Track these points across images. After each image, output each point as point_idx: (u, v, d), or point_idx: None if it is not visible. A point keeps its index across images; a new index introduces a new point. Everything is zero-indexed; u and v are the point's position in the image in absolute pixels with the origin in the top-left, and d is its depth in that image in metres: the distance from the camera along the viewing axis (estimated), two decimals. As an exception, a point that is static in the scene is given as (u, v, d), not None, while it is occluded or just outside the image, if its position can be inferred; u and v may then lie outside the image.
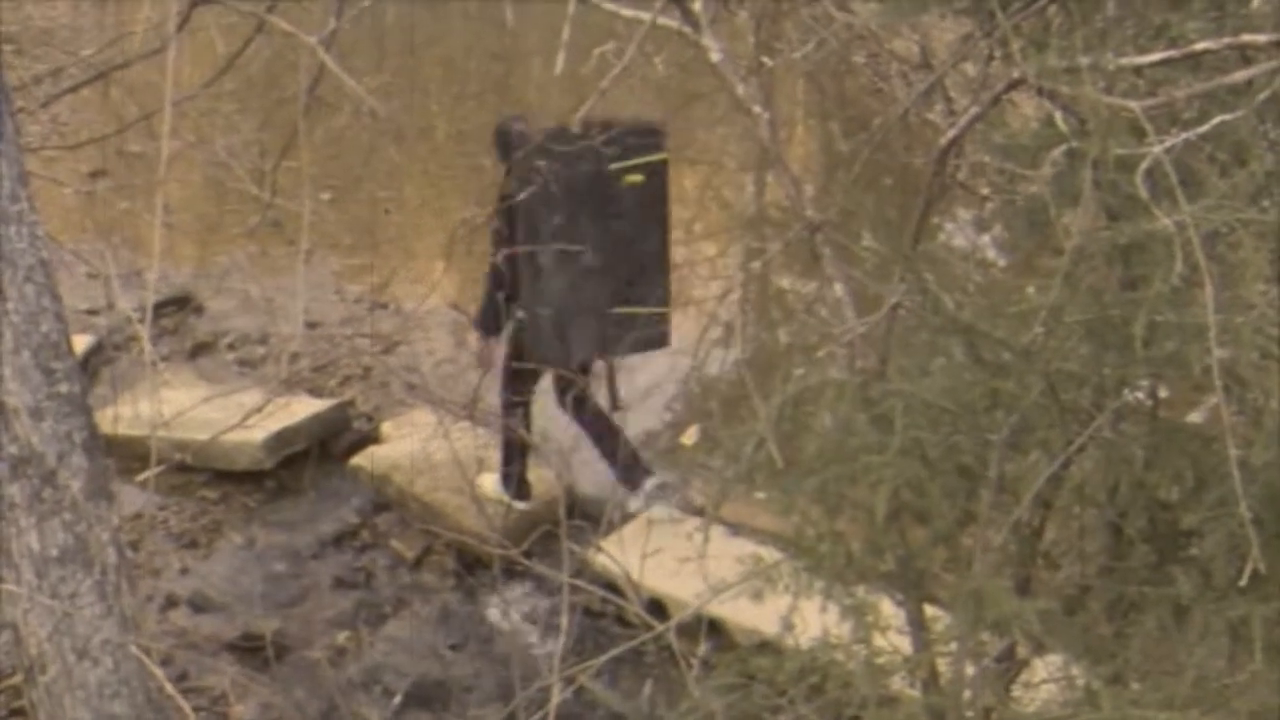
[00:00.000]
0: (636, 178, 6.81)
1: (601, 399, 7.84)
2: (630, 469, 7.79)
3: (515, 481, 7.87)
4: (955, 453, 3.79)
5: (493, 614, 7.37)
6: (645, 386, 9.26)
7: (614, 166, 6.88)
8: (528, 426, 7.73)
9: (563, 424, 7.82)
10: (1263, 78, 3.41)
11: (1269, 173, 3.41)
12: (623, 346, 7.60)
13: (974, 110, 3.98)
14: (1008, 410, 3.71)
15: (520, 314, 7.34)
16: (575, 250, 7.03)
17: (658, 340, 7.75)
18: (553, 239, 7.20)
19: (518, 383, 7.57)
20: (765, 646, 4.81)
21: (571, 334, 7.33)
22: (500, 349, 7.68)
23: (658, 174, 7.37)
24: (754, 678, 4.16)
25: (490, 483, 7.97)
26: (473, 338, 8.02)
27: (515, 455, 7.79)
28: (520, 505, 7.86)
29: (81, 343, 8.46)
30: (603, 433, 7.75)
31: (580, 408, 7.63)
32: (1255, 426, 3.42)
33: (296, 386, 9.01)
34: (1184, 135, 3.33)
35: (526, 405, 7.68)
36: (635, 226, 7.28)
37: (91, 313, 9.62)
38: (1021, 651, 4.02)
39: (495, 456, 7.94)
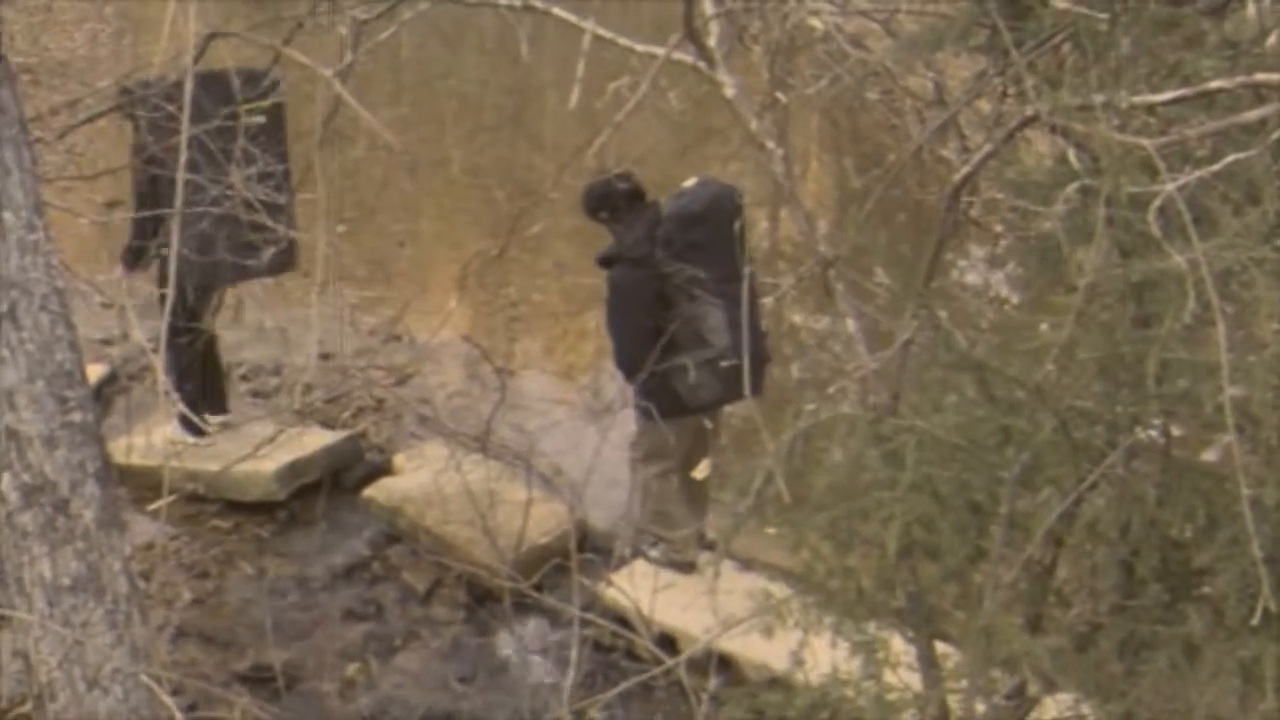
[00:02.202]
0: (257, 118, 6.99)
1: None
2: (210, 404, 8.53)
3: (190, 423, 8.27)
4: (966, 489, 3.79)
5: (503, 647, 7.36)
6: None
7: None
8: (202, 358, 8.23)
9: (577, 458, 7.83)
10: (1276, 116, 3.41)
11: (1282, 211, 3.41)
12: (257, 271, 8.04)
13: (988, 147, 3.99)
14: (1019, 447, 3.71)
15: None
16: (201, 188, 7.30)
17: (288, 264, 8.25)
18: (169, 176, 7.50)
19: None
20: (775, 682, 4.81)
21: (203, 264, 7.57)
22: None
23: (276, 114, 7.67)
24: (764, 713, 4.15)
25: (171, 430, 8.28)
26: (117, 271, 8.36)
27: (188, 391, 8.12)
28: (201, 441, 8.35)
29: (95, 372, 8.48)
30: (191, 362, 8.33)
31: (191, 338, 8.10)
32: (1268, 465, 3.41)
33: (309, 418, 9.02)
34: (1197, 173, 3.33)
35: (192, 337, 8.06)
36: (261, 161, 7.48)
37: (105, 342, 9.65)
38: (1032, 689, 4.01)
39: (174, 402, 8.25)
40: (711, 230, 6.95)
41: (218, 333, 8.64)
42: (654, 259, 7.12)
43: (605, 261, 7.25)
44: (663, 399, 7.13)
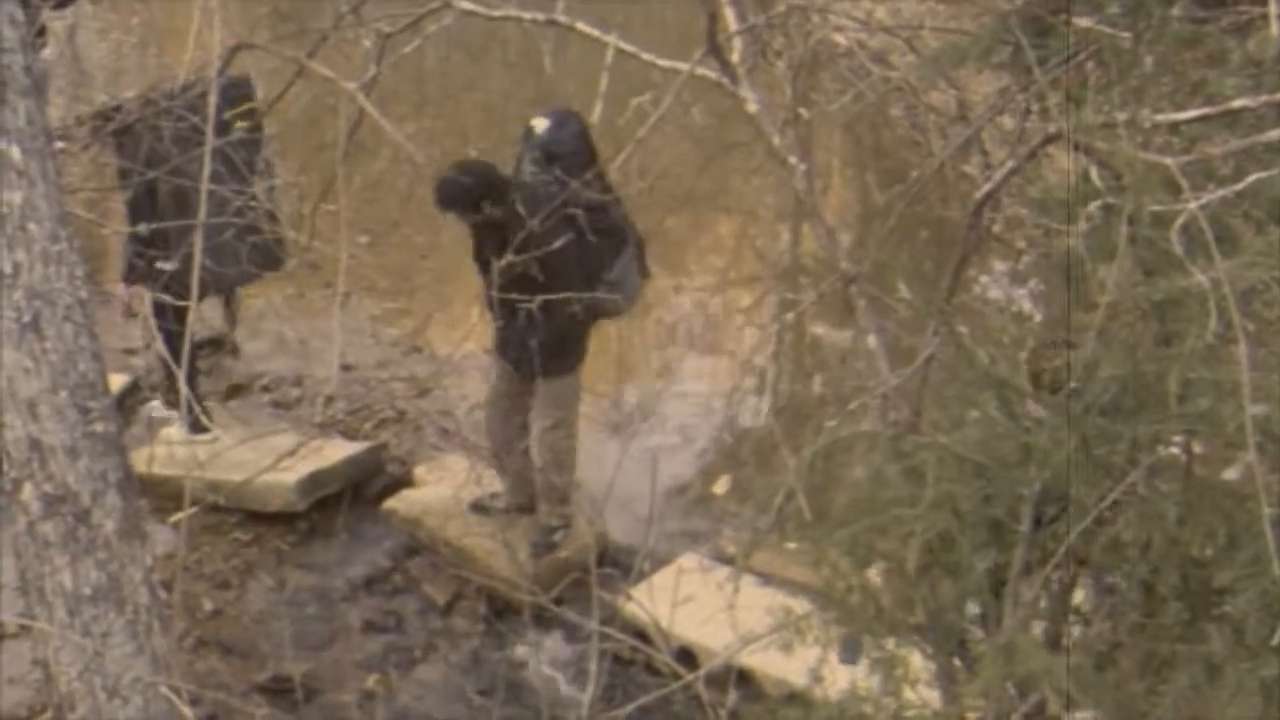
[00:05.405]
0: (242, 124, 6.98)
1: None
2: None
3: (192, 419, 8.22)
4: (987, 506, 3.78)
5: (522, 660, 7.36)
6: (678, 434, 9.28)
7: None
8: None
9: (598, 470, 7.83)
10: (1299, 136, 3.41)
11: (1305, 230, 3.41)
12: (231, 279, 8.35)
13: (1010, 164, 3.99)
14: (1040, 465, 3.70)
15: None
16: (184, 196, 7.30)
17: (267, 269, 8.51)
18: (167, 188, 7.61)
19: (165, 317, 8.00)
20: (794, 698, 4.80)
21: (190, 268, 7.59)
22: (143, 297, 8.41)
23: (256, 125, 7.68)
24: (782, 729, 4.14)
25: (174, 433, 8.27)
26: (119, 289, 8.71)
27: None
28: (205, 438, 8.13)
29: (118, 382, 8.50)
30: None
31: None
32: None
33: (330, 429, 9.03)
34: (1220, 192, 3.33)
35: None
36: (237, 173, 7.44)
37: (128, 352, 9.66)
38: (1052, 708, 4.00)
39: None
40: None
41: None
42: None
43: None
44: (580, 336, 7.61)
